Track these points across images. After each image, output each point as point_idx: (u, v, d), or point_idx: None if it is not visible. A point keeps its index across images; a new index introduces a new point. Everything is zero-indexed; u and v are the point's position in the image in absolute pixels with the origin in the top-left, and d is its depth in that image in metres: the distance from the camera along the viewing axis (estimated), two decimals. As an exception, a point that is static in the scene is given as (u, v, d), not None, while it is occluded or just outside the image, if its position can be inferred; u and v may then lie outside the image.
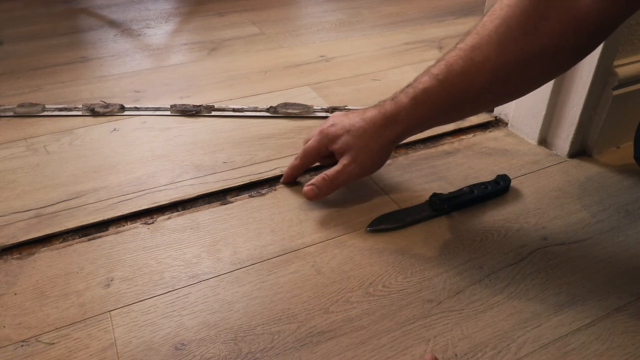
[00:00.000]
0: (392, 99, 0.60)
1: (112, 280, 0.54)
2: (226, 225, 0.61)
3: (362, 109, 0.63)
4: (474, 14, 1.31)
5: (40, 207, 0.63)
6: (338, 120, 0.63)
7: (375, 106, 0.62)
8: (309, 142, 0.66)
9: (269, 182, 0.69)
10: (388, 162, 0.72)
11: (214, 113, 0.85)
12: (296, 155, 0.67)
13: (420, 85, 0.56)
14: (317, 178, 0.63)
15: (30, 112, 0.85)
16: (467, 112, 0.61)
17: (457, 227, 0.61)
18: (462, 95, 0.55)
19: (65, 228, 0.60)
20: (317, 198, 0.63)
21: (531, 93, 0.74)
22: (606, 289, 0.53)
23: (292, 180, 0.68)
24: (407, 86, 0.59)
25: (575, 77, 0.69)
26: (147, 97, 0.91)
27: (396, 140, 0.61)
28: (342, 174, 0.62)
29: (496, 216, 0.63)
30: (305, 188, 0.63)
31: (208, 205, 0.65)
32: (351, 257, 0.57)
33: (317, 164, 0.69)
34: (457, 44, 0.54)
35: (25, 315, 0.50)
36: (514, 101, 0.78)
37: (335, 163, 0.64)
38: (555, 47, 0.49)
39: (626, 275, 0.55)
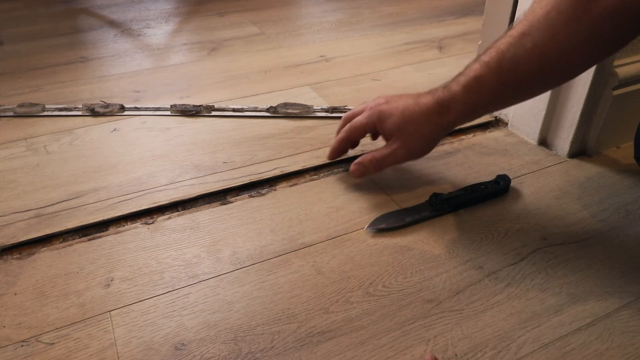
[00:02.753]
0: (444, 87, 0.59)
1: (112, 280, 0.54)
2: (226, 225, 0.61)
3: (415, 93, 0.62)
4: (474, 14, 1.31)
5: (40, 207, 0.63)
6: (391, 99, 0.62)
7: (428, 92, 0.61)
8: (358, 118, 0.64)
9: (269, 182, 0.69)
10: (388, 162, 0.72)
11: (214, 113, 0.85)
12: (338, 129, 0.66)
13: (471, 73, 0.56)
14: (364, 157, 0.63)
15: (30, 112, 0.85)
16: (518, 98, 0.60)
17: (457, 227, 0.61)
18: (513, 81, 0.55)
19: (65, 228, 0.60)
20: (362, 176, 0.64)
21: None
22: (606, 289, 0.53)
23: (339, 155, 0.68)
24: (459, 74, 0.58)
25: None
26: (147, 97, 0.91)
27: (447, 128, 0.61)
28: (390, 157, 0.61)
29: (496, 216, 0.63)
30: (353, 167, 0.64)
31: (208, 205, 0.65)
32: (351, 257, 0.57)
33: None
34: (507, 31, 0.54)
35: (25, 315, 0.50)
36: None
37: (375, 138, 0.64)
38: (605, 29, 0.49)
39: (626, 275, 0.55)
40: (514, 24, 0.54)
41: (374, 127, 0.63)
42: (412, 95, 0.62)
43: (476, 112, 0.60)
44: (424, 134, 0.60)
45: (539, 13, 0.51)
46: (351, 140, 0.67)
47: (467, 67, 0.57)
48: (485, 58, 0.55)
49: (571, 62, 0.53)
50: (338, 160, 0.72)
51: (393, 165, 0.63)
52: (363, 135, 0.67)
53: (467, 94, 0.57)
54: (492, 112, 0.65)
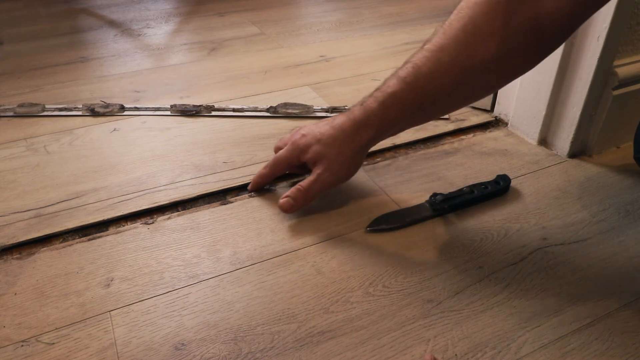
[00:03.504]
0: (361, 104, 0.59)
1: (112, 280, 0.54)
2: (226, 225, 0.61)
3: (331, 117, 0.63)
4: (474, 14, 1.31)
5: (40, 207, 0.63)
6: (309, 131, 0.63)
7: (343, 113, 0.61)
8: (281, 152, 0.64)
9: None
10: (388, 162, 0.73)
11: (214, 113, 0.85)
12: (265, 164, 0.66)
13: (388, 89, 0.56)
14: (292, 190, 0.61)
15: (30, 112, 0.85)
16: (436, 113, 0.61)
17: (457, 227, 0.61)
18: (430, 97, 0.55)
19: (65, 228, 0.60)
20: (293, 210, 0.61)
21: (531, 93, 0.75)
22: (606, 289, 0.53)
23: (259, 188, 0.67)
24: (376, 90, 0.58)
25: (575, 77, 0.69)
26: (147, 97, 0.91)
27: (368, 145, 0.61)
28: (317, 183, 0.61)
29: (496, 216, 0.63)
30: (281, 201, 0.61)
31: (208, 205, 0.65)
32: (351, 257, 0.57)
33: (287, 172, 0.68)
34: (424, 44, 0.54)
35: (25, 315, 0.50)
36: (514, 101, 0.78)
37: (304, 171, 0.64)
38: (524, 44, 0.49)
39: (626, 275, 0.55)
40: (431, 36, 0.53)
41: (297, 160, 0.63)
42: (327, 120, 0.63)
43: (397, 126, 0.60)
44: (345, 155, 0.60)
45: (455, 26, 0.51)
46: (274, 175, 0.66)
47: (384, 83, 0.57)
48: (402, 73, 0.55)
49: (489, 76, 0.52)
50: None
51: (322, 192, 0.62)
52: (286, 169, 0.66)
53: (384, 110, 0.57)
54: (418, 124, 0.65)
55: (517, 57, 0.50)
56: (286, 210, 0.61)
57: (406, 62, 0.55)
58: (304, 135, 0.63)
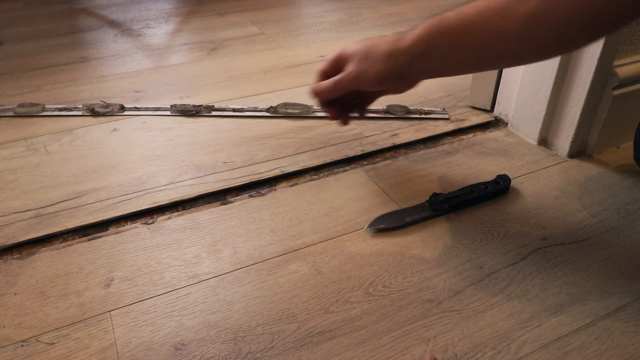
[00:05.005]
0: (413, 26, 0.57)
1: (112, 280, 0.54)
2: (226, 225, 0.61)
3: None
4: (474, 14, 1.31)
5: (40, 207, 0.63)
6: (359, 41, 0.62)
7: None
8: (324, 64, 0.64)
9: (269, 182, 0.69)
10: (388, 162, 0.73)
11: (214, 113, 0.85)
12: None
13: (441, 15, 0.54)
14: (325, 81, 0.62)
15: (30, 112, 0.85)
16: (477, 58, 0.55)
17: (457, 227, 0.61)
18: (476, 25, 0.51)
19: (65, 228, 0.60)
20: (319, 95, 0.63)
21: (531, 93, 0.75)
22: (606, 289, 0.53)
23: (321, 80, 0.65)
24: (428, 16, 0.56)
25: (575, 77, 0.69)
26: (147, 97, 0.91)
27: (401, 61, 0.57)
28: (344, 77, 0.60)
29: (496, 216, 0.63)
30: (312, 86, 0.63)
31: (208, 205, 0.65)
32: (351, 257, 0.57)
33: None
34: None
35: (25, 315, 0.50)
36: (514, 101, 0.78)
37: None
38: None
39: (626, 275, 0.55)
40: None
41: (340, 58, 0.62)
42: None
43: (432, 55, 0.56)
44: (373, 55, 0.58)
45: None
46: (325, 71, 0.64)
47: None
48: (460, 6, 0.53)
49: (562, 23, 0.47)
50: (338, 160, 0.72)
51: (348, 88, 0.61)
52: (333, 65, 0.63)
53: (425, 28, 0.54)
54: (454, 69, 0.60)
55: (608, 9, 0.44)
56: (315, 94, 0.63)
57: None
58: (352, 44, 0.62)
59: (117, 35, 1.20)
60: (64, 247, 0.58)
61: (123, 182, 0.68)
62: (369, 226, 0.61)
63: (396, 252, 0.57)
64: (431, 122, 0.82)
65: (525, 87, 0.76)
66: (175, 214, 0.63)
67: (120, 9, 1.37)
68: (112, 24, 1.27)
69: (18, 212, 0.63)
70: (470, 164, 0.72)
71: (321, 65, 0.64)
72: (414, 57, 0.56)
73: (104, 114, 0.84)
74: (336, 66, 0.63)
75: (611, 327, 0.49)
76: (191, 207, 0.64)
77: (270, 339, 0.48)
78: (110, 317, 0.50)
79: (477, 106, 0.86)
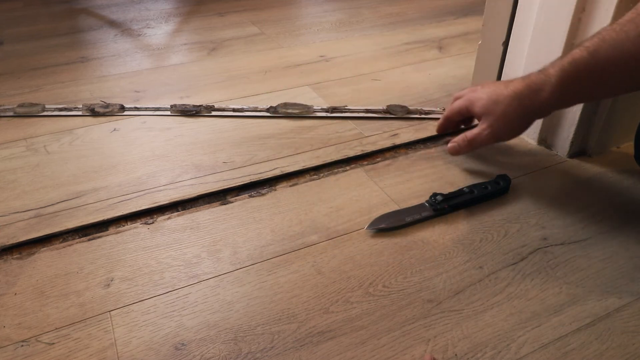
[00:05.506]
0: (541, 70, 0.58)
1: (112, 280, 0.54)
2: (226, 225, 0.61)
3: (508, 80, 0.63)
4: (474, 14, 1.31)
5: (40, 207, 0.63)
6: (483, 86, 0.66)
7: (522, 77, 0.61)
8: (456, 102, 0.70)
9: (269, 182, 0.69)
10: (388, 162, 0.73)
11: (214, 113, 0.85)
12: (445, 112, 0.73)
13: (570, 57, 0.55)
14: (458, 138, 0.68)
15: (30, 112, 0.85)
16: (616, 89, 0.57)
17: (457, 227, 0.61)
18: (611, 67, 0.52)
19: (65, 228, 0.60)
20: (457, 154, 0.70)
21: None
22: (606, 289, 0.53)
23: (444, 130, 0.75)
24: (558, 58, 0.57)
25: (575, 77, 0.69)
26: (147, 97, 0.91)
27: (538, 112, 0.61)
28: (478, 137, 0.65)
29: (496, 216, 0.63)
30: (449, 145, 0.69)
31: (208, 205, 0.65)
32: (351, 257, 0.57)
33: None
34: (612, 24, 0.53)
35: (25, 315, 0.50)
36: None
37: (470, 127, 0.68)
38: None
39: (626, 275, 0.55)
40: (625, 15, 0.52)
41: (467, 112, 0.67)
42: (504, 81, 0.64)
43: (574, 97, 0.58)
44: (509, 116, 0.61)
45: None
46: (450, 120, 0.72)
47: (569, 53, 0.56)
48: (587, 44, 0.54)
49: None
50: (338, 160, 0.72)
51: (483, 145, 0.67)
52: (458, 117, 0.71)
53: (561, 78, 0.55)
54: (590, 100, 0.64)
55: None
56: (452, 153, 0.70)
57: (593, 35, 0.54)
58: (475, 90, 0.66)
59: (117, 35, 1.20)
60: (64, 247, 0.58)
61: (123, 182, 0.68)
62: (369, 226, 0.61)
63: (396, 252, 0.57)
64: (431, 122, 0.82)
65: (525, 87, 0.75)
66: (175, 214, 0.63)
67: (120, 9, 1.37)
68: (112, 24, 1.27)
69: (18, 212, 0.63)
70: (470, 164, 0.72)
71: (447, 112, 0.72)
72: (552, 108, 0.61)
73: (104, 114, 0.84)
74: (461, 114, 0.69)
75: (611, 327, 0.49)
76: (191, 207, 0.64)
77: (270, 339, 0.48)
78: (110, 317, 0.50)
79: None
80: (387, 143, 0.76)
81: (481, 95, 0.64)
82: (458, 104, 0.69)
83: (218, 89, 0.93)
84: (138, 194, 0.66)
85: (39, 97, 0.90)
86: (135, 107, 0.86)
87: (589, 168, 0.72)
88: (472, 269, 0.55)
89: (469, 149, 0.68)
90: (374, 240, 0.59)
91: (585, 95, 0.59)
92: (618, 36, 0.51)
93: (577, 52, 0.55)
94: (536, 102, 0.58)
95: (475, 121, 0.71)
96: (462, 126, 0.76)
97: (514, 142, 0.77)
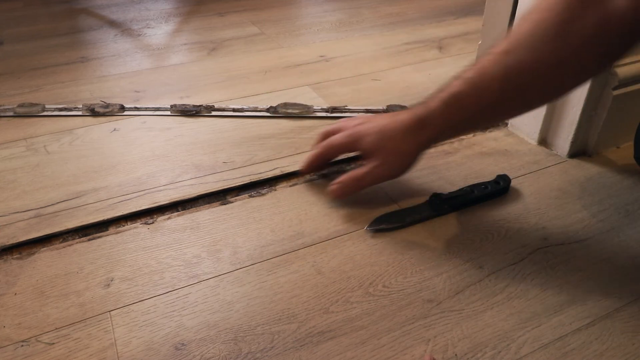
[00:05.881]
0: (423, 103, 0.59)
1: (112, 280, 0.54)
2: (226, 225, 0.61)
3: (393, 112, 0.62)
4: (474, 14, 1.31)
5: (40, 207, 0.63)
6: (367, 120, 0.63)
7: (406, 110, 0.61)
8: (336, 137, 0.64)
9: (269, 182, 0.69)
10: (388, 162, 0.72)
11: (214, 113, 0.85)
12: (318, 144, 0.66)
13: (452, 89, 0.55)
14: (344, 177, 0.62)
15: (30, 112, 0.85)
16: (498, 117, 0.59)
17: (457, 227, 0.61)
18: (493, 100, 0.54)
19: (65, 228, 0.60)
20: (343, 197, 0.63)
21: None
22: (606, 289, 0.53)
23: (311, 170, 0.67)
24: (439, 90, 0.57)
25: (575, 77, 0.69)
26: (147, 97, 0.91)
27: (427, 145, 0.60)
28: (370, 175, 0.61)
29: (496, 216, 0.63)
30: (332, 187, 0.63)
31: (208, 205, 0.65)
32: (351, 257, 0.57)
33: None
34: (492, 48, 0.53)
35: (25, 315, 0.50)
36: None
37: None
38: (589, 49, 0.48)
39: (626, 275, 0.55)
40: (500, 40, 0.53)
41: (352, 148, 0.63)
42: (390, 114, 0.62)
43: (457, 129, 0.59)
44: (402, 151, 0.60)
45: (523, 31, 0.50)
46: (326, 157, 0.66)
47: (448, 83, 0.57)
48: (467, 74, 0.54)
49: (555, 81, 0.52)
50: (338, 161, 0.72)
51: (373, 184, 0.62)
52: (338, 155, 0.67)
53: (445, 111, 0.56)
54: (479, 129, 0.63)
55: (584, 62, 0.50)
56: (336, 196, 0.63)
57: (472, 65, 0.55)
58: (361, 124, 0.62)
59: (117, 35, 1.20)
60: (64, 247, 0.58)
61: (123, 182, 0.68)
62: (369, 226, 0.61)
63: (396, 252, 0.57)
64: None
65: (525, 87, 0.75)
66: (175, 214, 0.63)
67: (120, 9, 1.37)
68: (112, 24, 1.27)
69: (18, 212, 0.63)
70: (470, 164, 0.72)
71: (322, 148, 0.65)
72: (439, 140, 0.61)
73: (104, 114, 0.84)
74: (342, 150, 0.64)
75: (611, 327, 0.49)
76: (191, 207, 0.64)
77: (270, 339, 0.48)
78: (110, 317, 0.50)
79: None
80: (387, 143, 0.76)
81: (369, 130, 0.61)
82: (340, 139, 0.63)
83: (218, 89, 0.93)
84: (138, 194, 0.66)
85: (39, 97, 0.90)
86: (135, 107, 0.86)
87: (589, 168, 0.72)
88: (472, 269, 0.55)
89: (357, 190, 0.62)
90: (374, 240, 0.59)
91: (471, 125, 0.60)
92: (497, 68, 0.52)
93: (458, 84, 0.55)
94: (423, 136, 0.59)
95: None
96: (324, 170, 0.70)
97: (514, 142, 0.77)
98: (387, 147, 0.60)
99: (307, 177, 0.70)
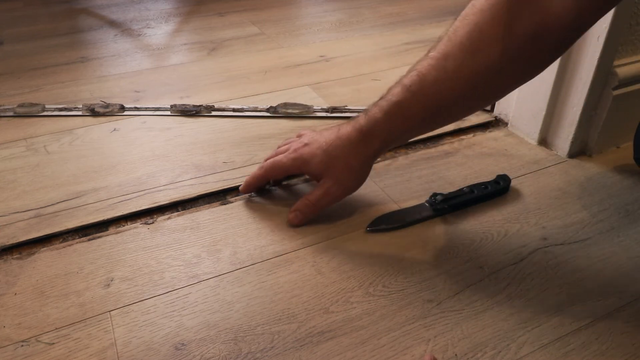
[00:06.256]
0: (366, 113, 0.58)
1: (112, 280, 0.54)
2: (226, 225, 0.61)
3: (335, 126, 0.61)
4: (474, 14, 1.31)
5: (40, 207, 0.63)
6: (312, 139, 0.61)
7: (349, 122, 0.60)
8: (280, 158, 0.63)
9: (269, 182, 0.69)
10: (388, 162, 0.73)
11: (214, 113, 0.85)
12: (260, 165, 0.65)
13: (393, 97, 0.55)
14: (299, 204, 0.61)
15: (30, 112, 0.85)
16: (442, 122, 0.59)
17: (457, 227, 0.61)
18: (435, 106, 0.54)
19: (65, 228, 0.60)
20: (301, 223, 0.61)
21: (531, 93, 0.75)
22: (606, 289, 0.53)
23: (251, 190, 0.65)
24: (380, 99, 0.57)
25: (575, 77, 0.69)
26: (147, 97, 0.91)
27: (375, 156, 0.60)
28: (326, 197, 0.60)
29: (496, 216, 0.63)
30: (290, 215, 0.61)
31: (208, 205, 0.65)
32: (351, 257, 0.57)
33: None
34: (428, 51, 0.53)
35: (25, 315, 0.50)
36: (515, 101, 0.78)
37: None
38: (530, 49, 0.48)
39: (626, 275, 0.55)
40: (435, 43, 0.52)
41: (299, 171, 0.63)
42: (332, 129, 0.61)
43: (404, 136, 0.59)
44: (353, 167, 0.59)
45: (460, 33, 0.50)
46: (269, 178, 0.65)
47: (388, 91, 0.56)
48: (406, 81, 0.54)
49: (496, 82, 0.51)
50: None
51: (330, 205, 0.61)
52: (282, 177, 0.66)
53: (389, 120, 0.55)
54: (424, 133, 0.64)
55: (524, 62, 0.49)
56: (295, 224, 0.61)
57: (410, 70, 0.54)
58: (307, 145, 0.61)
59: (117, 35, 1.20)
60: (64, 247, 0.58)
61: (123, 182, 0.68)
62: (369, 226, 0.61)
63: (396, 252, 0.57)
64: (431, 122, 0.82)
65: (525, 87, 0.75)
66: (175, 214, 0.63)
67: (120, 9, 1.37)
68: (112, 24, 1.27)
69: (18, 212, 0.63)
70: (470, 164, 0.72)
71: (259, 171, 0.64)
72: (386, 148, 0.60)
73: (104, 114, 0.84)
74: (288, 173, 0.64)
75: (611, 327, 0.49)
76: (191, 207, 0.64)
77: (270, 339, 0.48)
78: (110, 317, 0.50)
79: (477, 106, 0.86)
80: (387, 143, 0.76)
81: (314, 151, 0.60)
82: (285, 161, 0.62)
83: (218, 89, 0.93)
84: (138, 194, 0.66)
85: (39, 97, 0.90)
86: (135, 107, 0.86)
87: (589, 168, 0.72)
88: (472, 269, 0.55)
89: (315, 213, 0.61)
90: (374, 240, 0.59)
91: (416, 132, 0.60)
92: (438, 74, 0.51)
93: (399, 92, 0.54)
94: (370, 149, 0.58)
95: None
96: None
97: (514, 142, 0.77)
98: (336, 167, 0.59)
99: (307, 177, 0.70)
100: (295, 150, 0.62)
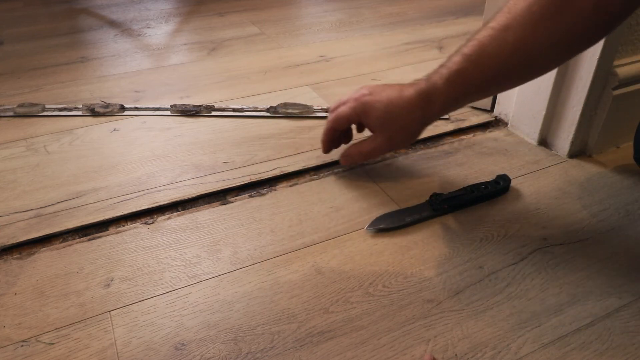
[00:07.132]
0: (427, 79, 0.60)
1: (112, 280, 0.54)
2: (226, 225, 0.61)
3: (397, 84, 0.62)
4: (474, 14, 1.31)
5: (40, 207, 0.63)
6: (375, 91, 0.63)
7: (411, 84, 0.61)
8: (343, 108, 0.65)
9: (269, 182, 0.69)
10: (388, 162, 0.73)
11: (214, 113, 0.85)
12: (327, 119, 0.67)
13: (453, 66, 0.56)
14: (353, 151, 0.66)
15: (30, 112, 0.85)
16: (498, 90, 0.63)
17: (457, 227, 0.61)
18: (494, 75, 0.55)
19: (65, 228, 0.60)
20: (350, 166, 0.70)
21: (531, 93, 0.75)
22: (606, 289, 0.53)
23: (330, 146, 0.69)
24: (440, 66, 0.58)
25: (576, 77, 0.69)
26: (147, 97, 0.91)
27: (431, 120, 0.62)
28: (376, 150, 0.65)
29: (496, 216, 0.63)
30: (341, 158, 0.68)
31: (208, 205, 0.65)
32: (351, 257, 0.57)
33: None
34: (488, 22, 0.54)
35: (25, 315, 0.50)
36: (515, 101, 0.78)
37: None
38: (591, 19, 0.48)
39: (626, 275, 0.55)
40: (495, 15, 0.54)
41: (358, 119, 0.64)
42: (395, 86, 0.62)
43: (458, 103, 0.61)
44: (407, 128, 0.62)
45: (520, 6, 0.51)
46: (337, 130, 0.67)
47: (449, 59, 0.58)
48: (467, 50, 0.55)
49: (554, 54, 0.53)
50: (338, 160, 0.72)
51: (377, 157, 0.68)
52: (347, 126, 0.67)
53: (449, 87, 0.57)
54: (479, 99, 0.70)
55: (583, 33, 0.50)
56: (345, 165, 0.69)
57: (470, 40, 0.55)
58: (370, 94, 0.63)
59: (117, 35, 1.20)
60: (64, 247, 0.58)
61: (123, 182, 0.68)
62: (369, 226, 0.61)
63: (396, 252, 0.57)
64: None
65: (525, 87, 0.76)
66: (175, 214, 0.63)
67: (120, 9, 1.37)
68: (112, 24, 1.27)
69: (18, 212, 0.63)
70: (470, 164, 0.72)
71: (326, 125, 0.67)
72: (441, 115, 0.62)
73: (104, 114, 0.84)
74: (350, 122, 0.66)
75: (611, 327, 0.49)
76: (191, 207, 0.64)
77: (270, 339, 0.48)
78: (110, 317, 0.50)
79: (477, 106, 0.86)
80: (387, 143, 0.76)
81: (376, 103, 0.62)
82: (347, 110, 0.64)
83: (218, 89, 0.93)
84: (138, 194, 0.66)
85: (39, 97, 0.90)
86: (135, 107, 0.86)
87: (589, 168, 0.72)
88: (472, 269, 0.55)
89: (363, 160, 0.70)
90: (374, 240, 0.59)
91: (471, 99, 0.62)
92: (498, 44, 0.53)
93: (459, 61, 0.56)
94: (428, 113, 0.60)
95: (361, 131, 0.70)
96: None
97: (514, 142, 0.77)
98: (393, 125, 0.62)
99: (307, 177, 0.70)
100: (356, 99, 0.64)
